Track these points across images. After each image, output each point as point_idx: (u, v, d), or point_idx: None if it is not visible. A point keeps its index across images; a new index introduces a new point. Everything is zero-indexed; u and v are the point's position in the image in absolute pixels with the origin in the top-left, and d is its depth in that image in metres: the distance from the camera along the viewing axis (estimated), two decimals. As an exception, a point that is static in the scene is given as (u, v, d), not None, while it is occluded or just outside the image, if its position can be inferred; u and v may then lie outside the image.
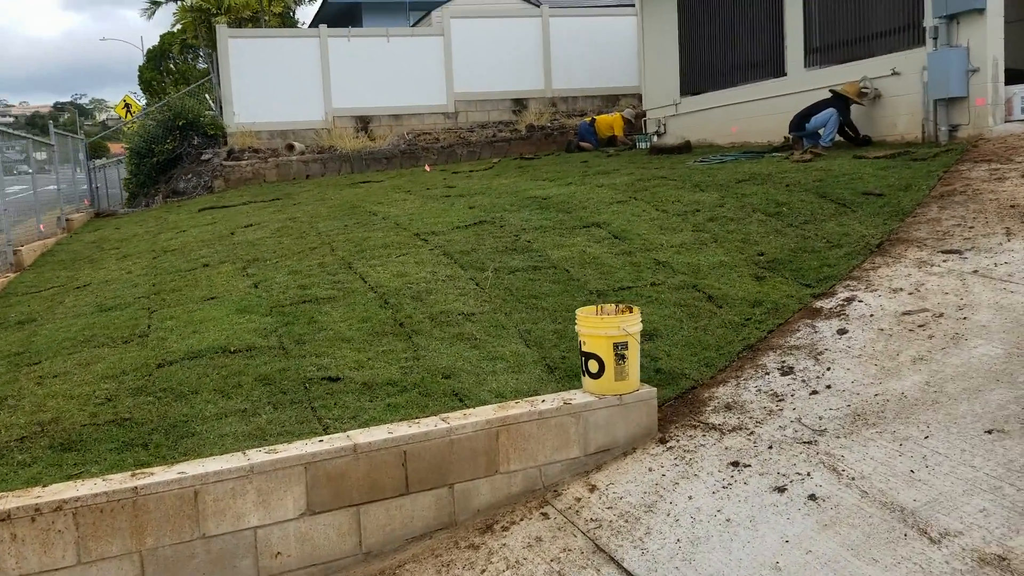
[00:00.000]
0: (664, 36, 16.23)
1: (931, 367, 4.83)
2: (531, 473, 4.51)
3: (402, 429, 4.29)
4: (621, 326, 4.61)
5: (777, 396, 4.91)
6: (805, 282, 6.44)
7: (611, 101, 20.41)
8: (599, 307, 4.90)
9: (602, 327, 4.62)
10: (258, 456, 3.98)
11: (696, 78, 15.62)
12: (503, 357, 5.43)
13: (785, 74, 13.17)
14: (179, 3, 21.82)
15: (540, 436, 4.51)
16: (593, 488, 4.43)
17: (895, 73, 10.95)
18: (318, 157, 17.21)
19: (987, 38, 9.75)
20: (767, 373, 5.21)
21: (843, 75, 11.64)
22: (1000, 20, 9.79)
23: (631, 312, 4.77)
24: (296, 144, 17.36)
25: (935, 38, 10.19)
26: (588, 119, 18.19)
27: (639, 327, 4.74)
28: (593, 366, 4.67)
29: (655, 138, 16.38)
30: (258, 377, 5.03)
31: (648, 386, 4.83)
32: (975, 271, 6.03)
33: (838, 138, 11.21)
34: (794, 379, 5.06)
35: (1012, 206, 7.20)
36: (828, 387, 4.87)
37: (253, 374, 5.07)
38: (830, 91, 11.35)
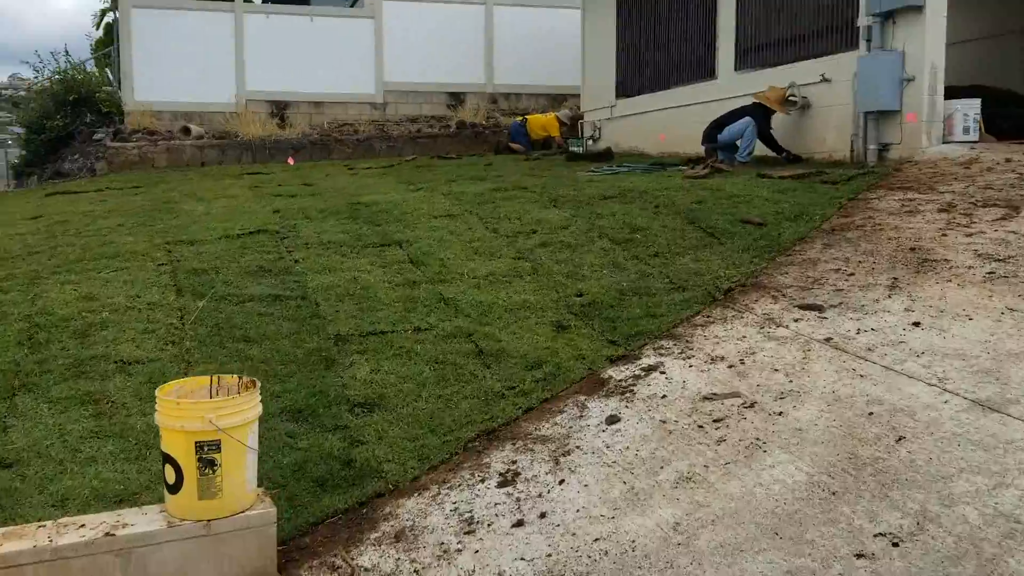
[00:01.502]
0: (604, 32, 14.59)
1: (695, 496, 3.23)
2: (38, 642, 2.91)
3: None
4: (207, 417, 3.00)
5: (470, 524, 3.31)
6: (612, 337, 4.84)
7: (557, 101, 18.70)
8: (215, 378, 3.31)
9: (177, 417, 3.02)
10: None
11: (632, 79, 13.98)
12: (130, 434, 3.83)
13: (716, 77, 11.55)
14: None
15: (58, 585, 2.91)
16: (123, 673, 2.84)
17: (825, 80, 9.33)
18: (216, 143, 15.56)
19: (926, 41, 8.11)
20: (483, 480, 3.61)
21: (774, 79, 10.00)
22: (942, 21, 8.15)
23: (248, 391, 3.18)
24: (193, 128, 15.72)
25: (868, 40, 8.55)
26: (520, 119, 16.54)
27: (252, 415, 3.13)
28: (170, 474, 3.07)
29: (590, 142, 14.80)
30: None
31: (269, 504, 3.22)
32: (828, 339, 4.43)
33: (766, 152, 9.61)
34: (510, 495, 3.46)
35: (912, 249, 5.60)
36: (542, 516, 3.27)
37: None
38: (753, 97, 9.76)
